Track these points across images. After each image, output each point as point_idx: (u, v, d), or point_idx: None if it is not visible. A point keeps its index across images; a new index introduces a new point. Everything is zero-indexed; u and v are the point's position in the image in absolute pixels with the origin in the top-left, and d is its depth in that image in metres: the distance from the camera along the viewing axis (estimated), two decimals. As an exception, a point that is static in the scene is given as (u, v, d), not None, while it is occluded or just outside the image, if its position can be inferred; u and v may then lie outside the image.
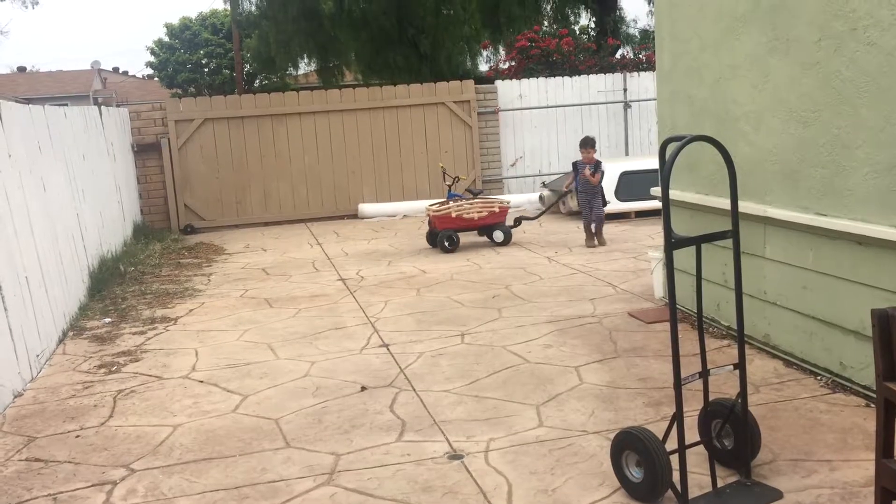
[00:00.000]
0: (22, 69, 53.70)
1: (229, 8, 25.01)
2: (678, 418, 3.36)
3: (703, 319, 5.98)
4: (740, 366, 3.54)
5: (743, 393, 3.52)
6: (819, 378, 4.72)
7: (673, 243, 3.31)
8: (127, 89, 48.15)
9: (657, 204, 11.36)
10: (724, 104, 5.48)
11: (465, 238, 10.44)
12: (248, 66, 33.08)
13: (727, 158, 3.45)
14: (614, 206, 11.45)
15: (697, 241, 3.45)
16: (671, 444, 3.44)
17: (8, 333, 5.45)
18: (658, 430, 4.05)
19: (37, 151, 7.30)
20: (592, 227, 9.68)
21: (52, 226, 7.26)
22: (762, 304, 5.23)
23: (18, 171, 6.47)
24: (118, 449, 4.44)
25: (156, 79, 42.88)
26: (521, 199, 13.45)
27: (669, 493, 3.41)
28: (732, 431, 3.62)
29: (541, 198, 12.83)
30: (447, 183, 11.47)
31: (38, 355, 6.00)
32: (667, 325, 6.06)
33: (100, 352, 6.42)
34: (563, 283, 7.75)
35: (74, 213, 8.41)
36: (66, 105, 10.86)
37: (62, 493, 3.92)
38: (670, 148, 3.37)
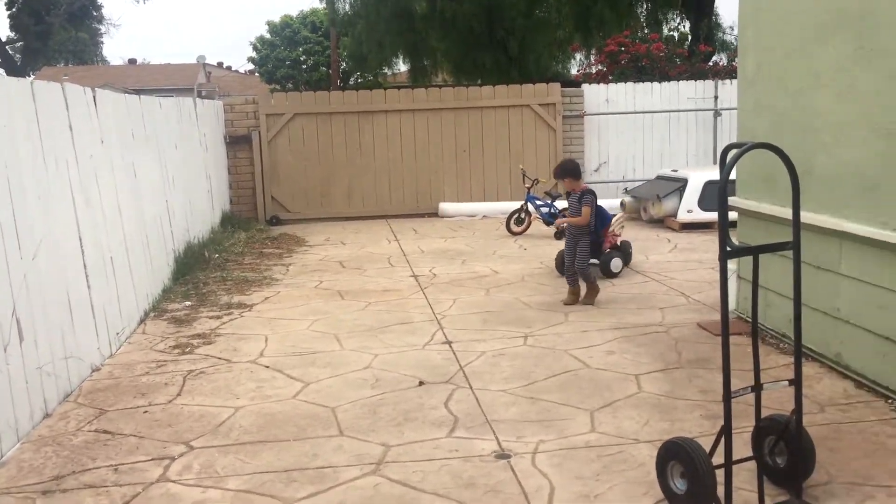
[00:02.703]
0: (132, 61, 56.26)
1: (327, 7, 25.63)
2: (726, 432, 3.28)
3: (775, 335, 5.81)
4: (796, 382, 3.43)
5: (798, 409, 3.41)
6: (890, 402, 4.52)
7: (729, 252, 3.23)
8: (229, 83, 49.84)
9: (742, 215, 11.07)
10: (806, 114, 5.30)
11: (538, 241, 10.43)
12: (344, 65, 33.77)
13: (790, 166, 3.35)
14: (697, 215, 11.20)
15: (755, 252, 3.37)
16: (719, 457, 3.36)
17: (90, 310, 5.73)
18: (710, 443, 3.97)
19: (130, 139, 7.64)
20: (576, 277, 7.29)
21: (140, 210, 7.59)
22: (835, 321, 5.04)
23: (110, 156, 6.79)
24: (181, 426, 4.61)
25: (256, 74, 44.23)
26: (602, 204, 13.27)
27: (714, 507, 3.33)
28: (787, 449, 3.51)
29: (622, 204, 12.65)
30: (526, 185, 11.45)
31: (118, 333, 6.29)
32: (737, 339, 5.90)
33: (176, 333, 6.68)
34: (634, 291, 7.63)
35: (164, 199, 8.76)
36: (172, 97, 11.32)
37: (123, 464, 4.11)
38: (730, 155, 3.29)
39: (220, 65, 60.60)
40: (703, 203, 11.26)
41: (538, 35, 17.36)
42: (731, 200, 6.40)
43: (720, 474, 3.29)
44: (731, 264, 6.58)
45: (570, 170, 7.37)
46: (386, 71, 28.76)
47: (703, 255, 9.34)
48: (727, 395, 3.27)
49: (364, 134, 13.76)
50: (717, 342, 5.87)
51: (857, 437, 4.10)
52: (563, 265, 7.77)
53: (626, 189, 13.13)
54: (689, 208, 11.24)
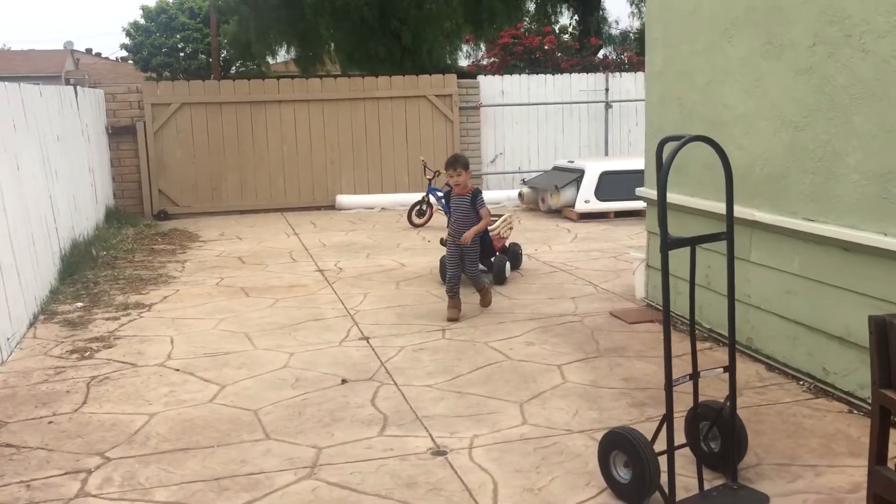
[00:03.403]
0: (-8, 47, 52.66)
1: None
2: (668, 420, 3.34)
3: (686, 321, 5.98)
4: (730, 368, 3.52)
5: (732, 395, 3.51)
6: (802, 383, 4.73)
7: (668, 244, 3.28)
8: (100, 71, 47.45)
9: (637, 205, 11.38)
10: (715, 108, 5.47)
11: (441, 233, 10.40)
12: (224, 53, 32.73)
13: (724, 159, 3.43)
14: (594, 205, 11.46)
15: (692, 242, 3.42)
16: (659, 445, 3.42)
17: (-22, 315, 5.30)
18: (643, 431, 4.04)
19: (11, 130, 7.12)
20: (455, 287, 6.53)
21: (24, 206, 7.09)
22: (746, 307, 5.23)
23: (-7, 148, 6.30)
24: (92, 436, 4.33)
25: (130, 62, 42.28)
26: (500, 195, 13.42)
27: (656, 494, 3.39)
28: (720, 434, 3.61)
29: (520, 195, 12.82)
30: (427, 177, 11.40)
31: (8, 339, 5.85)
32: (649, 326, 6.08)
33: (72, 337, 6.28)
34: (543, 281, 7.72)
35: (47, 194, 8.22)
36: (38, 84, 10.63)
37: (35, 480, 3.81)
38: (667, 148, 3.34)
39: (88, 51, 57.70)
40: (600, 193, 11.54)
41: (431, 26, 17.33)
42: (640, 191, 6.56)
43: (660, 462, 3.35)
44: (640, 253, 6.75)
45: (465, 162, 6.57)
46: (269, 60, 28.00)
47: (604, 245, 9.56)
48: (669, 384, 3.32)
49: (256, 124, 13.37)
50: (631, 330, 6.01)
51: (777, 419, 4.27)
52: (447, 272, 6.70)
53: (523, 180, 13.29)
54: (586, 198, 11.49)
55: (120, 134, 12.96)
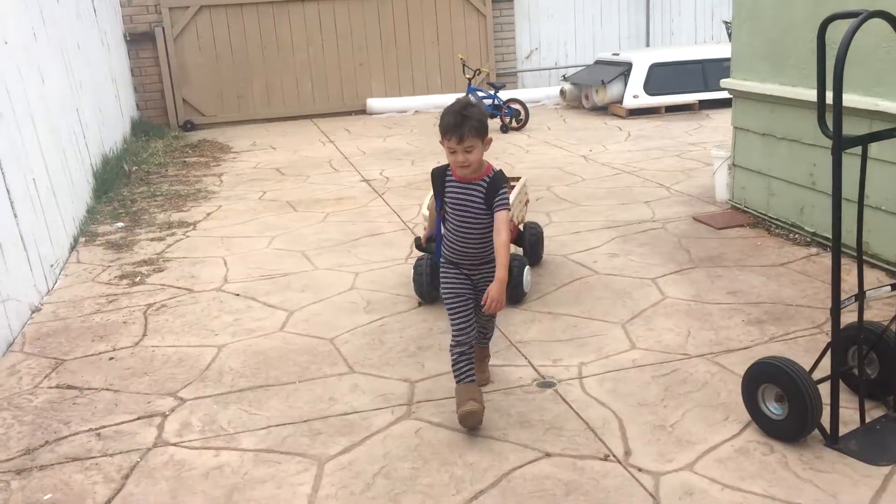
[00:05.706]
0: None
1: None
2: (833, 347, 2.90)
3: (783, 225, 5.49)
4: (899, 286, 3.06)
5: (899, 317, 3.06)
6: (934, 292, 4.26)
7: (845, 142, 2.76)
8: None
9: (688, 98, 10.74)
10: (825, -18, 4.82)
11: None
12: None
13: (904, 40, 2.86)
14: (644, 100, 10.81)
15: (865, 141, 2.91)
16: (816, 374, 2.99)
17: (20, 242, 4.89)
18: (770, 352, 3.67)
19: (32, 39, 6.55)
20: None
21: (52, 121, 6.59)
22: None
23: (16, 60, 5.76)
24: (160, 373, 3.96)
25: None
26: (538, 93, 12.75)
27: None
28: (877, 359, 3.17)
29: (562, 92, 12.14)
30: (467, 76, 10.73)
31: (52, 265, 5.46)
32: (741, 231, 5.61)
33: (118, 260, 5.88)
34: (608, 185, 7.20)
35: (74, 107, 7.70)
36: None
37: (105, 427, 3.45)
38: (832, 27, 2.78)
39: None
40: (649, 87, 10.87)
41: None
42: (726, 82, 5.96)
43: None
44: (722, 151, 6.22)
45: (481, 122, 3.22)
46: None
47: (662, 143, 8.99)
48: (836, 307, 2.87)
49: (280, 27, 12.64)
50: (721, 237, 5.53)
51: (920, 335, 3.82)
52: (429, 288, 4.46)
53: (564, 76, 12.58)
54: (635, 93, 10.83)
55: (138, 41, 12.29)
